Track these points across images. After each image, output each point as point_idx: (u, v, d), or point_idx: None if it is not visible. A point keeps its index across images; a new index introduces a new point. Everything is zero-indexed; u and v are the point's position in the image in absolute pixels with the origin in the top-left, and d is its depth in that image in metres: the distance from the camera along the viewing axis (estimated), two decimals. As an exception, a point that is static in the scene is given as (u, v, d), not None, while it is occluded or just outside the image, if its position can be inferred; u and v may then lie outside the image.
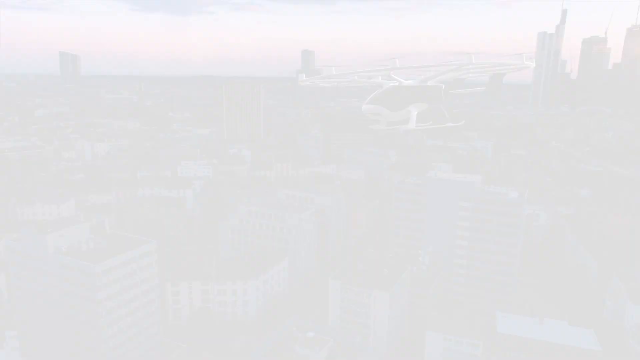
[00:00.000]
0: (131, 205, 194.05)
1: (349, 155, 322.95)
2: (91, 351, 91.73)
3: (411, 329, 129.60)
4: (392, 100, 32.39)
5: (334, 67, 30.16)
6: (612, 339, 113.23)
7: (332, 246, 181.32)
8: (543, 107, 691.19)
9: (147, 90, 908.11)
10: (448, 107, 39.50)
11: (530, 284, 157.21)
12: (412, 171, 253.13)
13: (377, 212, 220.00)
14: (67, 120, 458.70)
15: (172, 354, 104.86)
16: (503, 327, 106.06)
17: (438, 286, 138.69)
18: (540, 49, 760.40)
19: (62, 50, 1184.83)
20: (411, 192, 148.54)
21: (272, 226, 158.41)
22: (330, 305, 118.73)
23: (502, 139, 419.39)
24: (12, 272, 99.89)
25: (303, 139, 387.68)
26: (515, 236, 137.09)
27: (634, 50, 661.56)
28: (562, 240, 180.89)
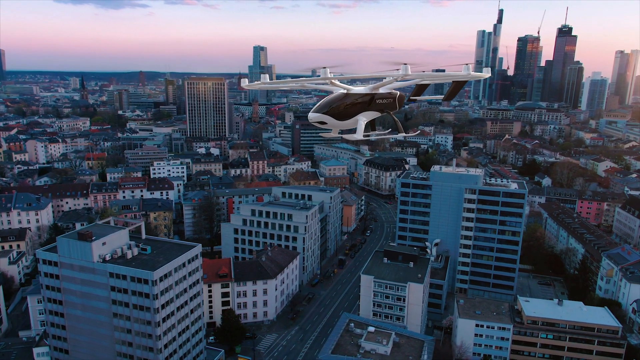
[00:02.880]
0: (115, 209, 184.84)
1: (320, 152, 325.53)
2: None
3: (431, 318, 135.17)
4: (339, 108, 29.78)
5: (267, 75, 28.80)
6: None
7: (331, 243, 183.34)
8: (486, 102, 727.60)
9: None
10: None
11: (525, 270, 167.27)
12: (388, 166, 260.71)
13: (364, 207, 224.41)
14: (7, 120, 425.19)
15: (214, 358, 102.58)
16: (529, 310, 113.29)
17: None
18: (480, 47, 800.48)
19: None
20: (416, 187, 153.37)
21: (279, 224, 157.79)
22: (361, 299, 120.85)
23: (458, 133, 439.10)
24: (44, 284, 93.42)
25: (268, 135, 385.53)
26: (519, 226, 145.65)
27: (564, 48, 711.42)
28: (544, 227, 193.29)
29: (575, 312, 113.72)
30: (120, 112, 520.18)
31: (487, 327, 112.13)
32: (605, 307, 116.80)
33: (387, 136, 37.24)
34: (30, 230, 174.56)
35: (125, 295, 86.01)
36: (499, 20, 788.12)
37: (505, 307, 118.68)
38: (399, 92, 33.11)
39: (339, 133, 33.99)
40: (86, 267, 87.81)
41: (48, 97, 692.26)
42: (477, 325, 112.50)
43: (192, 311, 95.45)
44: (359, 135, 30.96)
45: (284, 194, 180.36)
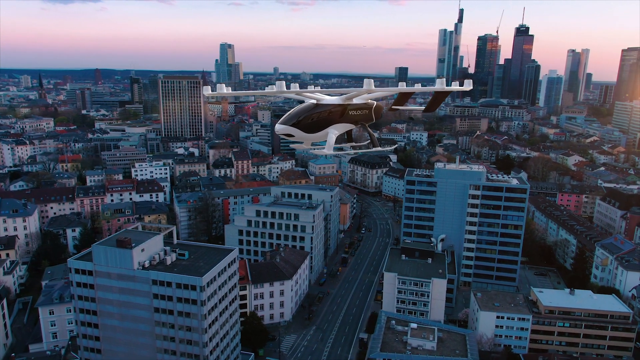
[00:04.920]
0: (108, 213, 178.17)
1: (302, 150, 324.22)
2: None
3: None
4: (308, 120, 27.37)
5: (224, 85, 25.90)
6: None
7: (332, 241, 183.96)
8: (449, 99, 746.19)
9: (36, 85, 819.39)
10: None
11: (521, 261, 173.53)
12: (374, 164, 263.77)
13: (356, 205, 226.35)
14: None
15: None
16: (545, 301, 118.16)
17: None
18: (442, 45, 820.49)
19: None
20: (421, 184, 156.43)
21: (285, 225, 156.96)
22: (384, 296, 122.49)
23: (429, 130, 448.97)
24: (77, 294, 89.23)
25: (245, 134, 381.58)
26: (521, 220, 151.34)
27: (522, 47, 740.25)
28: (532, 219, 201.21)
29: (586, 300, 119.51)
30: (84, 111, 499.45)
31: (508, 318, 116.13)
32: (613, 294, 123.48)
33: (362, 151, 34.28)
34: (18, 237, 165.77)
35: (169, 302, 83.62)
36: (460, 20, 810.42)
37: (521, 299, 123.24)
38: (375, 103, 30.22)
39: (311, 145, 30.91)
40: (125, 275, 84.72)
41: (1, 96, 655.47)
42: (498, 317, 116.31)
43: (231, 315, 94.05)
44: (328, 150, 28.70)
45: (283, 193, 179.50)
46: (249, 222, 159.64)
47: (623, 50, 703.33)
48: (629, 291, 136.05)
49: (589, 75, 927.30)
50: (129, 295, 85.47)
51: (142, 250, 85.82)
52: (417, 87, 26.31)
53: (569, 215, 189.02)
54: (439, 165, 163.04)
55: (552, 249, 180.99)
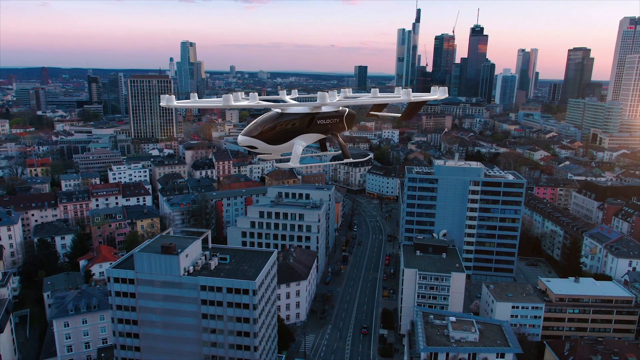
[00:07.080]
0: (98, 219, 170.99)
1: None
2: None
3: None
4: (271, 130, 25.13)
5: (173, 96, 24.30)
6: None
7: (331, 240, 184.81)
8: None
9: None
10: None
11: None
12: (357, 162, 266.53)
13: (346, 204, 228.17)
14: None
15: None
16: (555, 289, 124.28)
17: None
18: (401, 44, 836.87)
19: None
20: (422, 181, 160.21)
21: (290, 225, 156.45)
22: (403, 292, 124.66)
23: (397, 128, 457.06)
24: (115, 305, 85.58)
25: (218, 135, 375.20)
26: (518, 213, 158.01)
27: (477, 46, 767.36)
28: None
29: (591, 287, 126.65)
30: (39, 112, 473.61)
31: (523, 307, 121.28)
32: (614, 280, 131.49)
33: (335, 162, 32.54)
34: (4, 248, 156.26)
35: (219, 307, 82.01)
36: (417, 19, 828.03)
37: (530, 288, 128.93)
38: (347, 110, 27.91)
39: (281, 155, 28.27)
40: (170, 282, 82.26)
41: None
42: (513, 307, 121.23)
43: (272, 318, 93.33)
44: (293, 163, 26.16)
45: (280, 194, 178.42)
46: (252, 224, 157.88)
47: (569, 50, 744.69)
48: (621, 277, 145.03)
49: (537, 74, 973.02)
50: (174, 303, 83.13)
51: (187, 255, 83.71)
52: (395, 96, 24.93)
53: (553, 207, 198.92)
54: (438, 162, 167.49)
55: (539, 240, 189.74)
